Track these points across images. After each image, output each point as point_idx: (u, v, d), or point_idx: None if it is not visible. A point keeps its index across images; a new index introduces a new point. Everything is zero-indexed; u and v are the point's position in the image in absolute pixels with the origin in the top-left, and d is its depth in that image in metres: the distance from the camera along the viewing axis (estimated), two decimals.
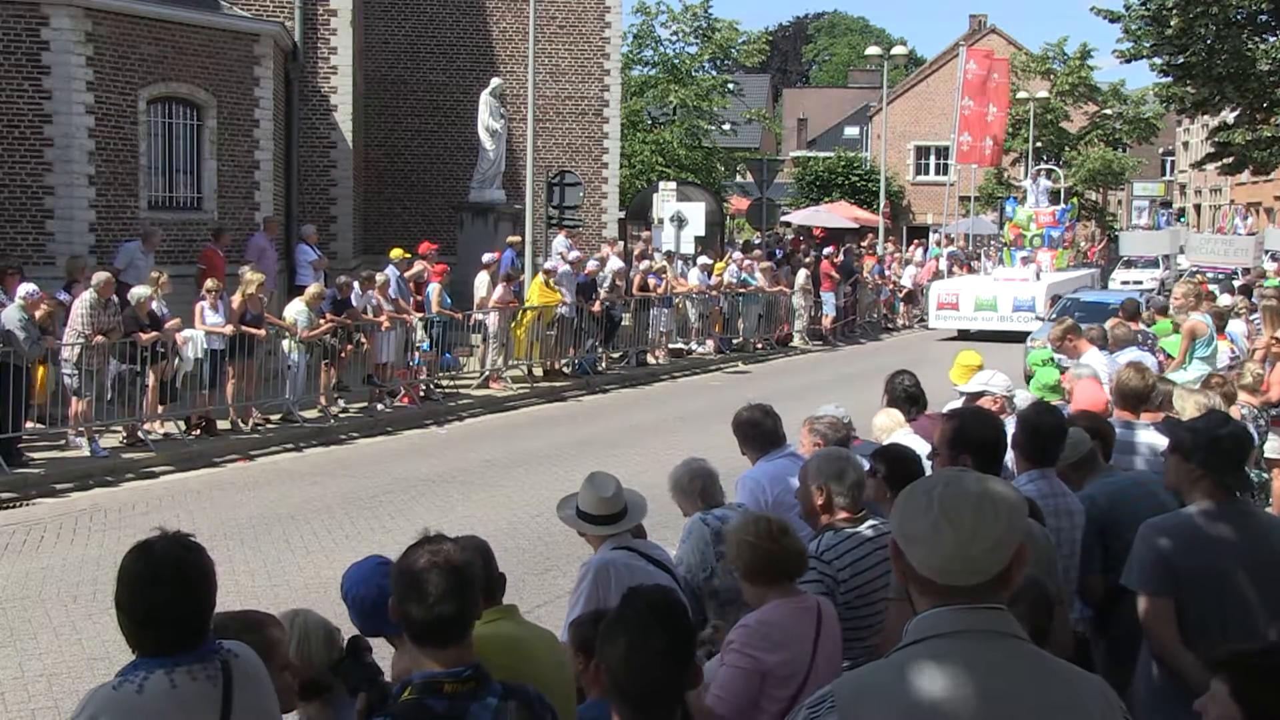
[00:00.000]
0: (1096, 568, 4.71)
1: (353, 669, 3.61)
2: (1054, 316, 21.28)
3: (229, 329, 14.70)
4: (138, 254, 17.18)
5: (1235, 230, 43.60)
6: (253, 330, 15.05)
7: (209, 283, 15.17)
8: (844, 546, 4.80)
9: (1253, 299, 17.40)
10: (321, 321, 15.86)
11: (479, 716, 2.94)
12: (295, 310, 15.79)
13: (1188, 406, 6.36)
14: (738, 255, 27.23)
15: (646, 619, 2.78)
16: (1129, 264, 41.96)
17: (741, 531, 4.33)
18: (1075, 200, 42.29)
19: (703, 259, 25.53)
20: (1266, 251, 34.71)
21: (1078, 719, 2.37)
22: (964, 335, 27.50)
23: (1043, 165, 36.38)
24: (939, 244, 41.10)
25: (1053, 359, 10.84)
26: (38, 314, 12.95)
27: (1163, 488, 4.81)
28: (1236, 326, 14.12)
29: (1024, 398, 8.09)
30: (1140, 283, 38.74)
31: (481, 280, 19.17)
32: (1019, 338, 22.38)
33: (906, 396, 7.72)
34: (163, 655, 2.96)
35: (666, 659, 2.73)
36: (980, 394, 7.89)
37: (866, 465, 5.33)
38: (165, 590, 2.95)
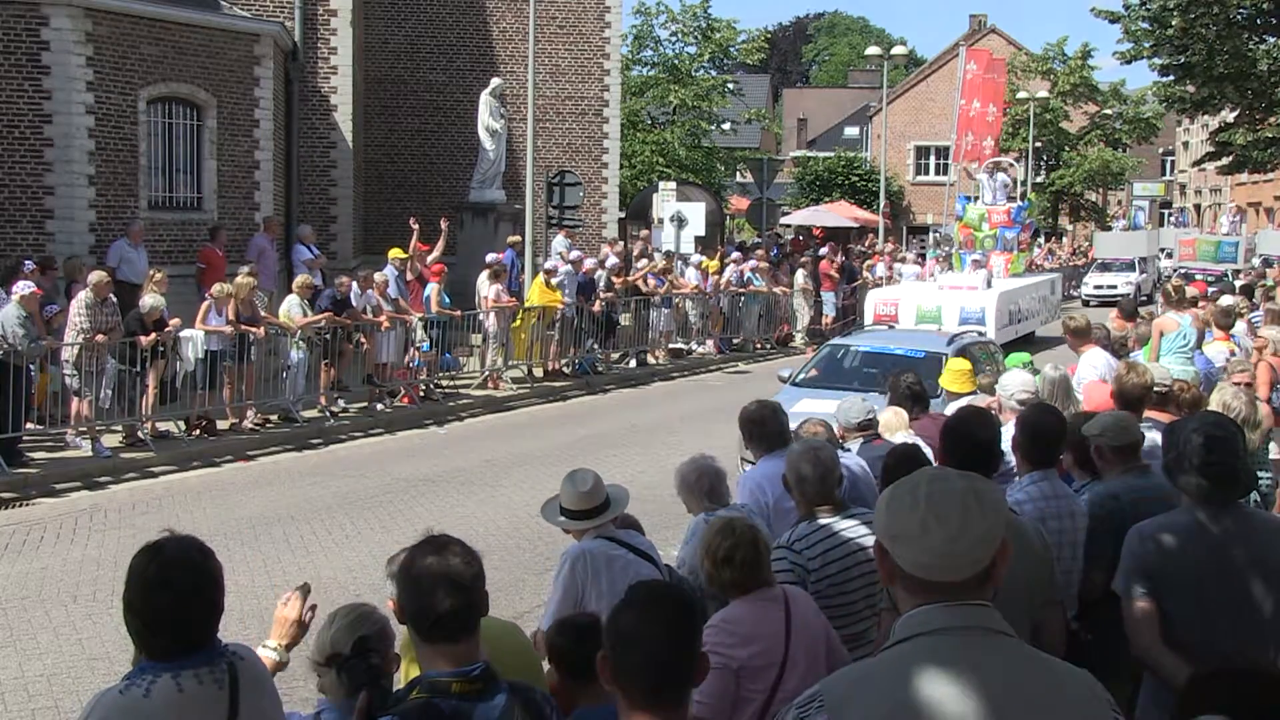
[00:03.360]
0: (1104, 564, 4.67)
1: (356, 667, 3.61)
2: (805, 373, 14.05)
3: (229, 329, 14.68)
4: (126, 248, 17.24)
5: (1223, 230, 42.87)
6: (250, 329, 15.02)
7: (216, 288, 15.14)
8: (815, 537, 4.85)
9: (1254, 299, 17.42)
10: (320, 318, 15.86)
11: (485, 717, 2.94)
12: (288, 304, 15.81)
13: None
14: (736, 255, 27.24)
15: (651, 599, 2.78)
16: (1104, 267, 40.31)
17: (706, 542, 4.37)
18: (1034, 198, 37.97)
19: (695, 257, 25.45)
20: (1260, 256, 33.92)
21: (1065, 714, 2.37)
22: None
23: (998, 158, 31.44)
24: (937, 244, 40.94)
25: (1031, 362, 10.73)
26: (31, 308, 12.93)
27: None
28: (1237, 326, 14.10)
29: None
30: (1115, 287, 37.26)
31: (482, 280, 19.19)
32: None
33: (909, 395, 7.75)
34: (170, 658, 2.96)
35: (673, 637, 2.72)
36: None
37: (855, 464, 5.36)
38: (175, 593, 2.95)
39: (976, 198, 30.71)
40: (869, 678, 2.39)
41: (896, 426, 7.35)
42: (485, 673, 2.97)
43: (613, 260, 22.27)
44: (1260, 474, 5.75)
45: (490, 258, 19.69)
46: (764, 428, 6.40)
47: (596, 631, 4.06)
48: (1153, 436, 6.00)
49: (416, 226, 18.98)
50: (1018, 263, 28.86)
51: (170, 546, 3.03)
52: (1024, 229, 29.70)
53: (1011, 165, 32.16)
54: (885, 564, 2.46)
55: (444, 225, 20.18)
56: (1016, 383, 7.34)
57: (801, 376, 13.95)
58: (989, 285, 24.76)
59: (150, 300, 14.06)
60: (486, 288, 19.06)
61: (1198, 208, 69.26)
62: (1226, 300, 15.02)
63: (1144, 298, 34.31)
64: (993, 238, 28.47)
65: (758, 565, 4.30)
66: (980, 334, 15.69)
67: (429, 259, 19.17)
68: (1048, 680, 2.39)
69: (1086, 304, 36.00)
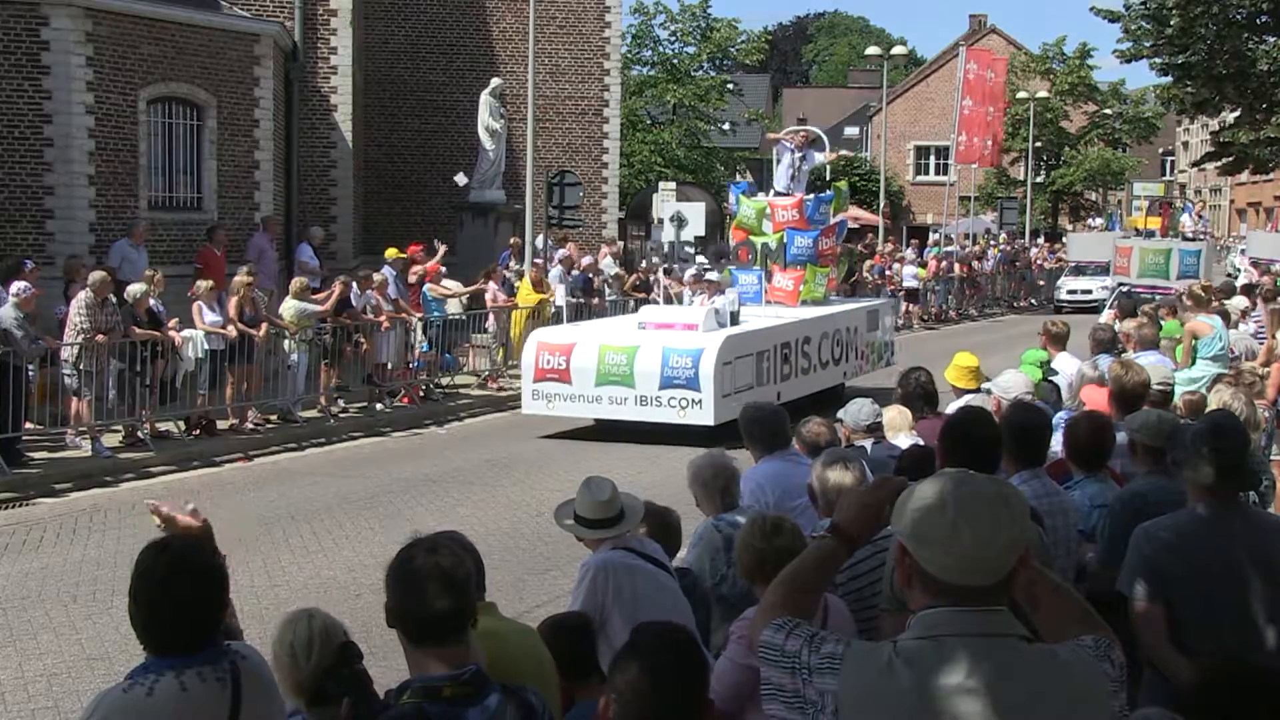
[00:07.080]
0: (1116, 560, 4.66)
1: (341, 675, 3.60)
2: None
3: (232, 331, 14.65)
4: (128, 248, 17.23)
5: (1186, 229, 41.09)
6: (250, 331, 15.01)
7: (200, 284, 15.15)
8: (862, 553, 4.78)
9: (1254, 300, 17.39)
10: (316, 297, 15.85)
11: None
12: (289, 308, 15.79)
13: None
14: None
15: (657, 649, 2.79)
16: (1078, 270, 37.59)
17: (741, 533, 4.44)
18: (840, 187, 21.23)
19: (700, 259, 25.38)
20: (1253, 259, 32.60)
21: (1087, 711, 2.38)
22: (607, 427, 15.45)
23: (801, 127, 21.63)
24: (938, 244, 40.70)
25: (1048, 362, 10.72)
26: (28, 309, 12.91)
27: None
28: (1240, 327, 14.11)
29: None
30: (1090, 291, 34.95)
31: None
32: (673, 436, 13.08)
33: (921, 394, 7.64)
34: (173, 656, 2.96)
35: (679, 687, 2.73)
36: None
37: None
38: (181, 589, 2.96)
39: (753, 190, 20.38)
40: (887, 668, 2.37)
41: (900, 426, 7.27)
42: (477, 675, 2.97)
43: (586, 260, 22.20)
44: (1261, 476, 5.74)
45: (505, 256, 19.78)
46: (764, 427, 6.36)
47: (588, 630, 4.06)
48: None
49: (443, 248, 19.18)
50: (814, 284, 18.34)
51: (176, 543, 3.05)
52: (826, 232, 18.61)
53: (816, 139, 21.08)
54: (905, 565, 2.43)
55: (439, 247, 19.96)
56: (1017, 384, 7.31)
57: None
58: (730, 321, 15.95)
59: (134, 288, 14.06)
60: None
61: None
62: (1239, 302, 15.02)
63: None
64: (766, 244, 18.38)
65: (781, 562, 4.31)
66: None
67: (428, 264, 19.15)
68: (1066, 683, 2.39)
69: (1060, 309, 33.31)
